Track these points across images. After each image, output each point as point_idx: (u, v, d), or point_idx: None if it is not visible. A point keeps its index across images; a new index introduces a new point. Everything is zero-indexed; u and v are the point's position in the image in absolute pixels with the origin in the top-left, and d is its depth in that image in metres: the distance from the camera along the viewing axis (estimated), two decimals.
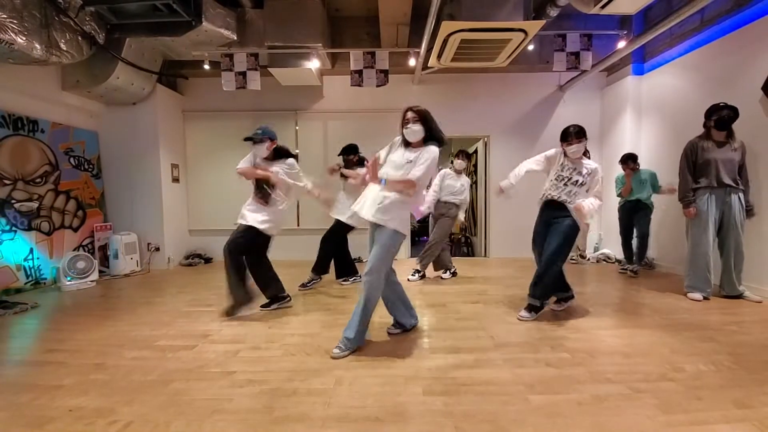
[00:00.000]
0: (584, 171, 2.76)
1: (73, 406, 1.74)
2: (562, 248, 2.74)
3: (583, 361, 2.11)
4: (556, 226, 2.79)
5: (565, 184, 2.77)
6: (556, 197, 2.79)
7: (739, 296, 3.23)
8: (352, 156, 3.89)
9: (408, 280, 4.08)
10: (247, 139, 2.93)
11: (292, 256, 5.32)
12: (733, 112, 3.15)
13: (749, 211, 3.24)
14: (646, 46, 4.69)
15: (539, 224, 2.96)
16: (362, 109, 5.58)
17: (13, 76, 3.86)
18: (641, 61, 4.90)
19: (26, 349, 2.51)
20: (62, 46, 3.60)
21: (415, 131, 2.29)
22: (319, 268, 3.88)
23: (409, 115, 2.31)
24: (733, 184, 3.17)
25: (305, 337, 2.54)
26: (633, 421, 1.56)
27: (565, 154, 2.82)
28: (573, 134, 2.75)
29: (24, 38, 3.25)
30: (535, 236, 2.98)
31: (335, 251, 3.95)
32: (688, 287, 3.36)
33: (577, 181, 2.75)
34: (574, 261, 5.21)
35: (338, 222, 3.83)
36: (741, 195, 3.20)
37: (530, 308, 2.86)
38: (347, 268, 4.06)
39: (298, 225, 5.67)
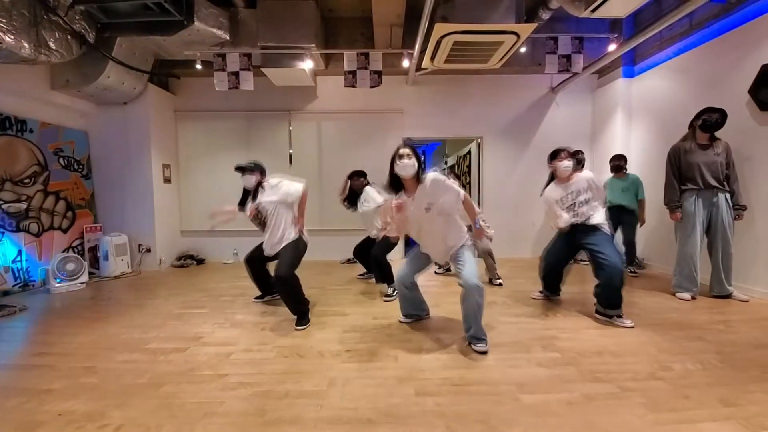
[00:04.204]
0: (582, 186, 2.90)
1: (62, 410, 1.72)
2: (617, 252, 2.77)
3: (573, 361, 2.14)
4: (591, 242, 2.79)
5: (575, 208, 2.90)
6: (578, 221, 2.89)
7: (728, 296, 3.29)
8: (363, 179, 3.90)
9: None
10: (237, 168, 2.95)
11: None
12: (722, 118, 3.20)
13: (738, 211, 3.23)
14: (636, 49, 4.75)
15: (563, 248, 3.09)
16: (356, 110, 5.57)
17: (1, 76, 3.80)
18: (631, 64, 4.96)
19: (14, 352, 2.48)
20: (51, 45, 3.56)
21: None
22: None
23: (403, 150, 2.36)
24: (719, 186, 3.23)
25: (298, 339, 2.54)
26: (622, 420, 1.58)
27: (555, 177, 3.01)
28: (564, 150, 2.95)
29: (12, 37, 3.21)
30: (553, 258, 3.16)
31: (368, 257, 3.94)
32: (675, 287, 3.42)
33: (581, 201, 2.87)
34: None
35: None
36: (728, 195, 3.25)
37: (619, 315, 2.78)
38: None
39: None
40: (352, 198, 3.96)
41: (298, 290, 2.86)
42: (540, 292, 3.42)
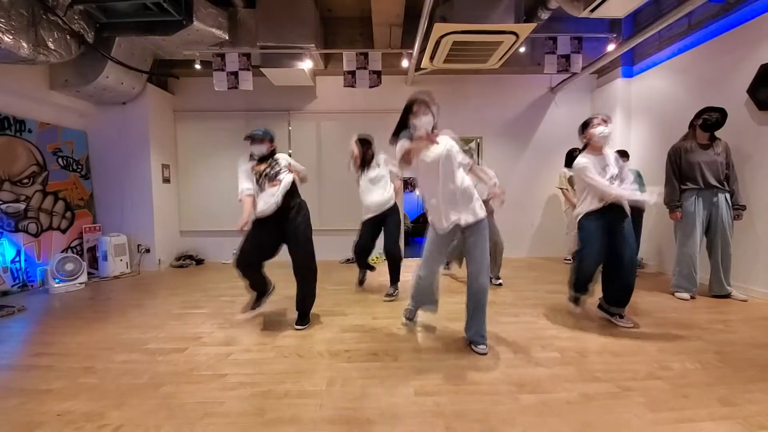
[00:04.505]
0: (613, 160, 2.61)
1: (61, 410, 1.72)
2: (635, 250, 2.59)
3: (572, 360, 2.14)
4: (621, 229, 2.56)
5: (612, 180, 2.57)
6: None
7: (727, 296, 3.30)
8: (371, 148, 3.57)
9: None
10: (247, 137, 2.78)
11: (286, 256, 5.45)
12: (722, 117, 3.20)
13: (737, 211, 3.24)
14: (635, 49, 4.75)
15: (597, 230, 2.61)
16: (355, 110, 5.57)
17: None
18: (630, 64, 4.96)
19: (13, 352, 2.47)
20: (50, 45, 3.55)
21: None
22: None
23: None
24: (720, 186, 3.23)
25: (297, 339, 2.54)
26: (621, 420, 1.59)
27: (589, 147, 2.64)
28: (599, 116, 2.61)
29: (11, 37, 3.20)
30: (597, 246, 2.61)
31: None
32: (674, 287, 3.42)
33: (615, 174, 2.57)
34: (568, 261, 5.26)
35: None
36: (728, 195, 3.25)
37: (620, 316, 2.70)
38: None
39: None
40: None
41: (315, 288, 2.88)
42: (575, 300, 2.90)
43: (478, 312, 2.28)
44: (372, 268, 3.94)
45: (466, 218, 2.22)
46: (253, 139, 2.75)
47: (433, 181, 2.26)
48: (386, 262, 3.60)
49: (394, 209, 3.54)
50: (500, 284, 3.89)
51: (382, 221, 3.52)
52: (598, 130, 2.55)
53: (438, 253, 2.44)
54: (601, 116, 2.61)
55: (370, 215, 3.53)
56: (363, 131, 5.75)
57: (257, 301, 2.92)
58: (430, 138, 2.23)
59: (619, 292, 2.67)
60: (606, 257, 2.64)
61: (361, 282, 3.95)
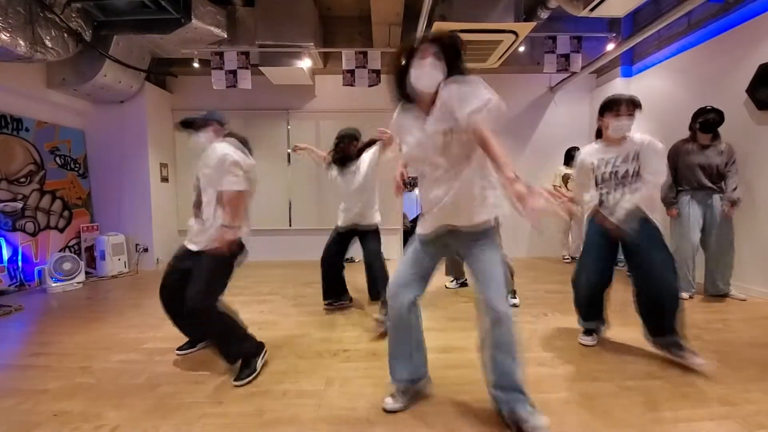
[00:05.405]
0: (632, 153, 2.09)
1: (58, 410, 1.71)
2: (670, 259, 2.05)
3: (572, 360, 2.14)
4: (642, 235, 2.04)
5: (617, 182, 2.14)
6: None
7: (725, 295, 3.30)
8: (354, 142, 3.08)
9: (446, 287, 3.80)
10: (184, 124, 2.11)
11: (284, 256, 5.39)
12: (718, 116, 3.20)
13: (733, 203, 3.15)
14: (634, 49, 4.75)
15: (595, 234, 2.18)
16: (354, 109, 5.55)
17: None
18: (630, 64, 4.96)
19: (10, 352, 2.45)
20: (47, 43, 3.53)
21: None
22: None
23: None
24: (715, 187, 3.23)
25: (296, 339, 2.53)
26: (620, 419, 1.58)
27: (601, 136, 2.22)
28: (625, 102, 2.05)
29: (8, 35, 3.18)
30: (593, 257, 2.17)
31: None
32: None
33: (627, 172, 2.09)
34: (567, 260, 5.26)
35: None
36: (722, 196, 3.25)
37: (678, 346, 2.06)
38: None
39: (290, 225, 5.65)
40: (342, 161, 3.19)
41: (228, 324, 1.96)
42: (587, 333, 2.38)
43: (514, 363, 1.55)
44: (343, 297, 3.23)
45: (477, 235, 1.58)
46: (194, 126, 2.08)
47: (428, 174, 1.59)
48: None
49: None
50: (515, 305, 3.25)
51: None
52: (615, 124, 2.08)
53: (424, 258, 1.67)
54: (628, 102, 2.07)
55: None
56: (363, 130, 5.70)
57: (189, 345, 2.33)
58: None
59: (650, 314, 2.11)
60: (633, 275, 2.15)
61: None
